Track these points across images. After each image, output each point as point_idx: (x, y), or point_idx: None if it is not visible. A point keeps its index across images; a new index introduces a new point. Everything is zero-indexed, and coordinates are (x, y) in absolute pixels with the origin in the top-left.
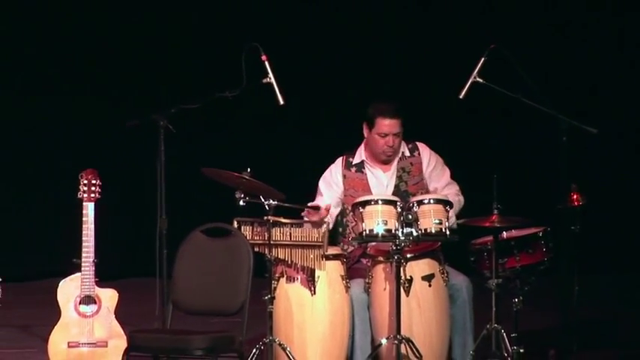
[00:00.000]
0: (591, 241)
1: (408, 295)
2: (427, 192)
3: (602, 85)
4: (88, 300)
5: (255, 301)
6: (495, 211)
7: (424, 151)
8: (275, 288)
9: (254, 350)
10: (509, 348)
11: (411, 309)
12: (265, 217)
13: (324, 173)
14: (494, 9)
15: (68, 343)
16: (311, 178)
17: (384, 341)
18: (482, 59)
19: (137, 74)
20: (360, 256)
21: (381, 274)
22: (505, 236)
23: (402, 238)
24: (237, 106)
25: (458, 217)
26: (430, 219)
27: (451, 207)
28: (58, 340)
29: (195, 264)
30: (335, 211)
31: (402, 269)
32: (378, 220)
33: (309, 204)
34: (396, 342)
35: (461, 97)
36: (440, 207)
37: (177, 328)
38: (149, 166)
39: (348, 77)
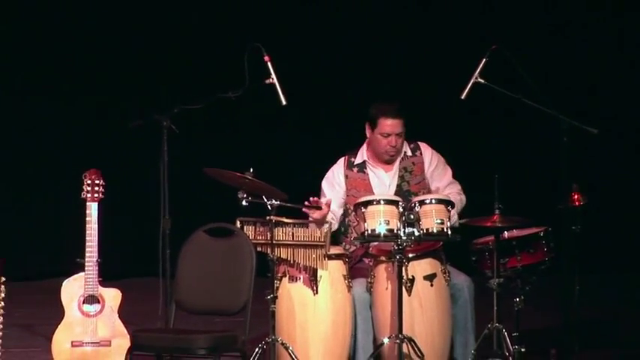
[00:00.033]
0: (592, 240)
1: (409, 295)
2: (429, 191)
3: (603, 86)
4: (91, 299)
5: (258, 301)
6: (497, 211)
7: (426, 150)
8: (277, 287)
9: (256, 349)
10: (511, 347)
11: (413, 308)
12: (268, 217)
13: (327, 174)
14: (495, 9)
15: (72, 342)
16: (313, 178)
17: (386, 340)
18: (484, 60)
19: (140, 75)
20: (362, 255)
21: (383, 273)
22: (506, 236)
23: (404, 237)
24: (239, 107)
25: (460, 216)
26: (432, 219)
27: (453, 207)
28: (61, 339)
29: (198, 264)
30: (339, 212)
31: (403, 269)
32: (380, 220)
33: (306, 202)
34: (398, 341)
35: (462, 97)
36: (442, 207)
37: (180, 328)
38: (152, 167)
39: (350, 78)
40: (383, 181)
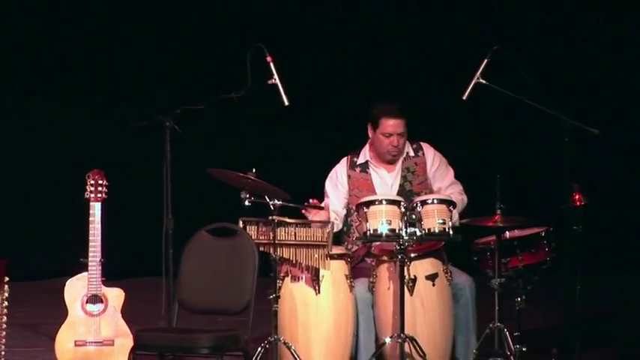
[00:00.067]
0: (593, 240)
1: (411, 295)
2: (431, 192)
3: (604, 86)
4: (94, 299)
5: (261, 300)
6: (498, 211)
7: (428, 151)
8: (280, 287)
9: (259, 349)
10: (512, 347)
11: (415, 308)
12: (270, 217)
13: (330, 174)
14: (496, 9)
15: (75, 341)
16: (315, 178)
17: (387, 340)
18: (485, 60)
19: (143, 75)
20: (364, 255)
21: (385, 273)
22: (508, 236)
23: (406, 237)
24: (242, 107)
25: (461, 216)
26: (434, 219)
27: (454, 207)
28: (65, 338)
29: (200, 263)
30: (343, 212)
31: (405, 269)
32: (382, 220)
33: (306, 203)
34: (399, 341)
35: (464, 97)
36: (443, 207)
37: (183, 327)
38: (155, 167)
39: (352, 78)
40: (385, 181)
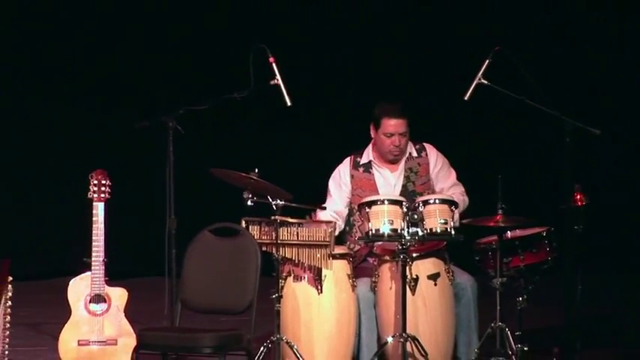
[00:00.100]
0: (594, 240)
1: (413, 294)
2: (433, 192)
3: (605, 86)
4: (98, 299)
5: (263, 300)
6: (500, 211)
7: (431, 152)
8: (282, 287)
9: (262, 348)
10: (514, 346)
11: (417, 307)
12: (273, 217)
13: (333, 174)
14: (497, 10)
15: (78, 341)
16: (318, 178)
17: (390, 339)
18: (487, 61)
19: (147, 76)
20: (366, 255)
21: (387, 273)
22: (509, 236)
23: (408, 237)
24: (245, 108)
25: (462, 217)
26: (436, 219)
27: (456, 207)
28: (68, 338)
29: (203, 263)
30: (345, 212)
31: (407, 268)
32: (384, 220)
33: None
34: (401, 340)
35: (466, 98)
36: (445, 207)
37: (186, 327)
38: (158, 167)
39: (354, 78)
40: (388, 181)
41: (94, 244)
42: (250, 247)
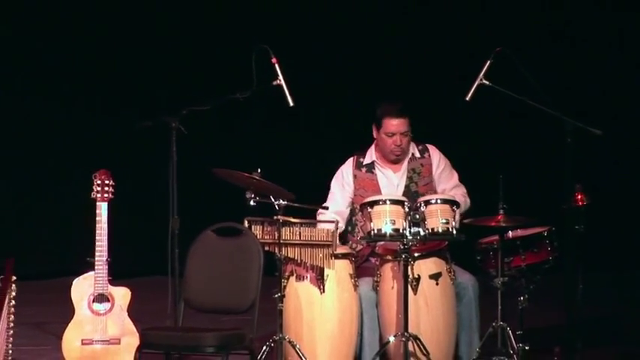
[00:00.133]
0: (595, 240)
1: (415, 294)
2: (436, 193)
3: (605, 86)
4: (101, 298)
5: (266, 300)
6: (501, 211)
7: (434, 153)
8: (285, 286)
9: (264, 347)
10: (515, 345)
11: (419, 307)
12: (275, 217)
13: (336, 173)
14: (498, 10)
15: (82, 340)
16: (320, 178)
17: (391, 338)
18: (488, 62)
19: (150, 76)
20: (368, 255)
21: (389, 272)
22: (511, 235)
23: (410, 237)
24: (247, 108)
25: (462, 217)
26: (437, 218)
27: (458, 207)
28: (71, 337)
29: (206, 263)
30: (346, 212)
31: (409, 268)
32: (386, 220)
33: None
34: (403, 339)
35: (467, 98)
36: (447, 207)
37: (189, 326)
38: (161, 167)
39: (356, 79)
40: (391, 181)
41: (97, 243)
42: (253, 247)
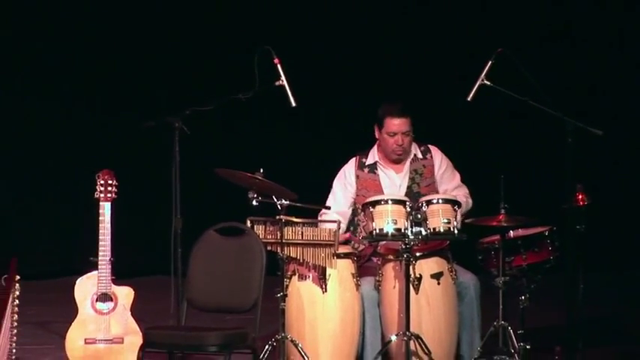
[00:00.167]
0: (596, 240)
1: (417, 293)
2: (437, 193)
3: (605, 86)
4: (104, 297)
5: (268, 299)
6: (502, 211)
7: (436, 154)
8: (287, 286)
9: (267, 347)
10: (516, 345)
11: (420, 306)
12: (278, 217)
13: (339, 173)
14: (498, 10)
15: (85, 339)
16: (322, 178)
17: (393, 338)
18: (490, 62)
19: (152, 76)
20: (370, 254)
21: (391, 272)
22: (512, 235)
23: (412, 237)
24: (250, 108)
25: (465, 218)
26: (439, 218)
27: (459, 207)
28: (75, 336)
29: (209, 262)
30: (349, 212)
31: (411, 267)
32: (387, 220)
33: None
34: (405, 338)
35: (469, 99)
36: (448, 207)
37: (192, 325)
38: (164, 167)
39: (358, 79)
40: (394, 182)
41: (100, 243)
42: (255, 247)
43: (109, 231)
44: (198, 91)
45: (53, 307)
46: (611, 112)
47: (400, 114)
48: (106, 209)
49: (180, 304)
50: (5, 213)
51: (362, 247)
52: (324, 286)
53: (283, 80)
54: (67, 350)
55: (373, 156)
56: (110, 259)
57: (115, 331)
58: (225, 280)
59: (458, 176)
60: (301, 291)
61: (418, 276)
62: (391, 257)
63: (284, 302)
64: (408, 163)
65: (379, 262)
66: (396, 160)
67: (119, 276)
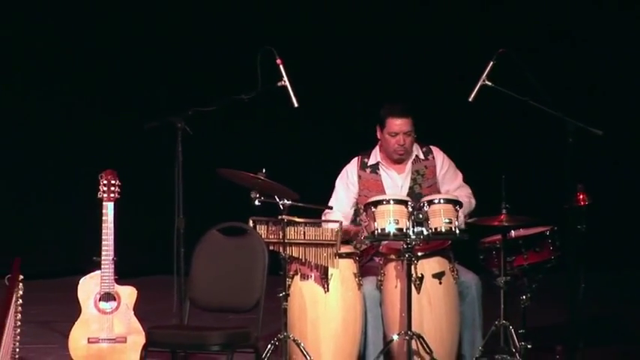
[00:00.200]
0: (597, 239)
1: (419, 293)
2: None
3: (606, 86)
4: (107, 297)
5: (270, 298)
6: (504, 211)
7: (438, 154)
8: (289, 285)
9: (269, 346)
10: (517, 344)
11: (422, 306)
12: (280, 217)
13: (341, 173)
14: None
15: (88, 338)
16: (324, 178)
17: (395, 337)
18: (491, 63)
19: (155, 77)
20: (372, 254)
21: (392, 271)
22: (513, 235)
23: (413, 236)
24: (252, 109)
25: (467, 218)
26: (440, 218)
27: (461, 206)
28: (78, 336)
29: (211, 262)
30: (350, 212)
31: (413, 267)
32: (389, 220)
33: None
34: (407, 338)
35: (470, 99)
36: (450, 206)
37: (194, 325)
38: (167, 167)
39: (360, 79)
40: (395, 182)
41: (103, 243)
42: (258, 247)
43: (112, 231)
44: (200, 91)
45: (56, 306)
46: (611, 112)
47: (402, 114)
48: (109, 209)
49: (183, 303)
50: (8, 213)
51: (364, 246)
52: (326, 286)
53: (285, 81)
54: (70, 350)
55: (375, 156)
56: (113, 259)
57: (117, 331)
58: (227, 280)
59: (460, 176)
60: (303, 290)
61: (420, 276)
62: (393, 257)
63: (286, 302)
64: (409, 163)
65: (381, 262)
66: (397, 160)
67: (122, 275)
